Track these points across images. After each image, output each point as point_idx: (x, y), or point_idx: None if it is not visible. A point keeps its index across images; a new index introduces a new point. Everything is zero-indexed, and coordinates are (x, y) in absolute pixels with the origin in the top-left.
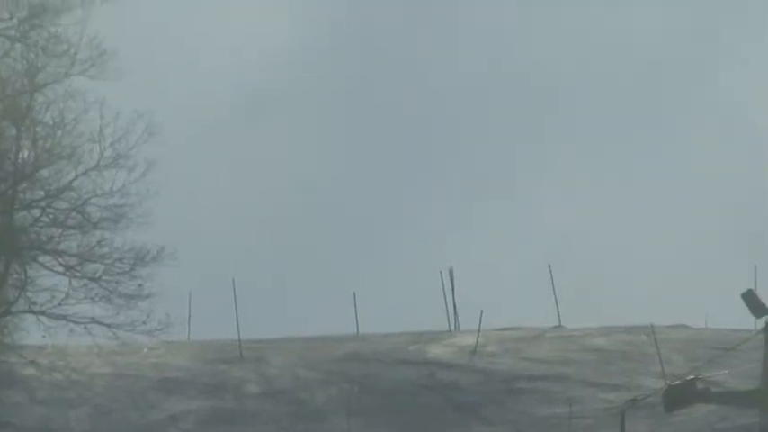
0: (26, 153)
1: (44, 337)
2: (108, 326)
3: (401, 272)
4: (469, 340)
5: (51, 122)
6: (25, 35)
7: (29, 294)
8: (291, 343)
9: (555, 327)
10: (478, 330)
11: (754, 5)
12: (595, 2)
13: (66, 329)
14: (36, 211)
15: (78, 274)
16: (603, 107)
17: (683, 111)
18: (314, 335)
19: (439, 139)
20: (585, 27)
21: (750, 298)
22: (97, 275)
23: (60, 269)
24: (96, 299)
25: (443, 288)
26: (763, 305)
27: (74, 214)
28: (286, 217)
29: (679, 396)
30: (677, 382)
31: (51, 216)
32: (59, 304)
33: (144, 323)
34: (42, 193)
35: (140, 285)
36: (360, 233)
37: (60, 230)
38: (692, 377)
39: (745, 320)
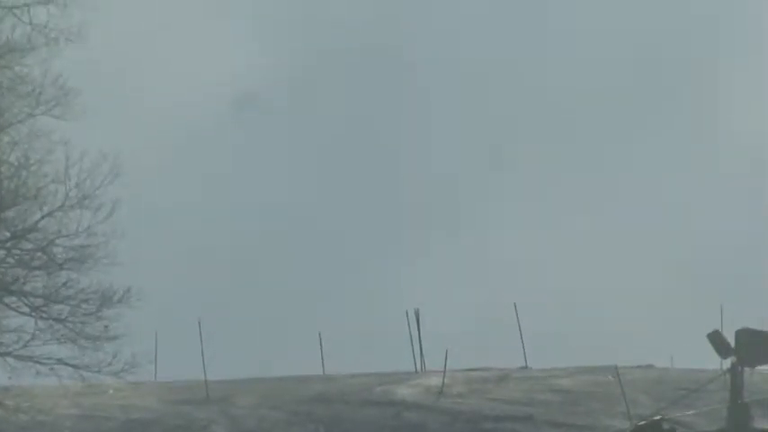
0: None
1: (10, 378)
2: (74, 367)
3: (367, 312)
4: (436, 381)
5: (16, 163)
6: None
7: None
8: (258, 384)
9: (521, 367)
10: (444, 371)
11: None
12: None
13: (32, 371)
14: (1, 252)
15: (44, 315)
16: (570, 142)
17: (647, 139)
18: (280, 375)
19: (405, 180)
20: (531, 45)
21: (716, 338)
22: (63, 316)
23: (26, 310)
24: (62, 340)
25: (409, 329)
26: (729, 345)
27: (39, 255)
28: (252, 257)
29: None
30: (643, 422)
31: (17, 257)
32: (25, 345)
33: (110, 364)
34: (8, 233)
35: (106, 327)
36: (326, 273)
37: (26, 271)
38: (658, 417)
39: (711, 360)
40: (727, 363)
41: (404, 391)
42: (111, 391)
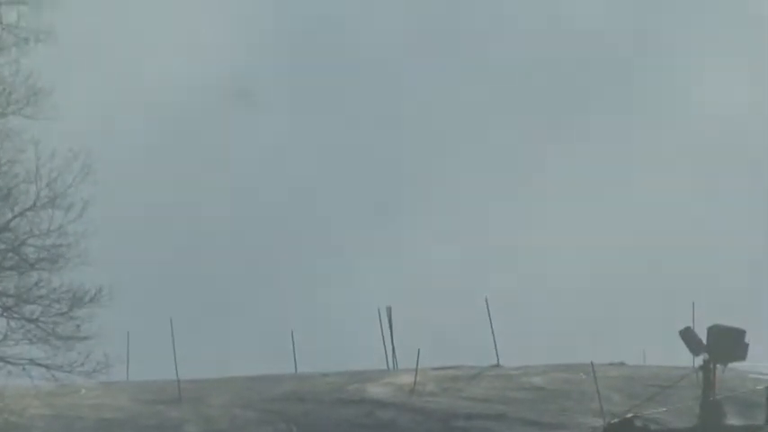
0: None
1: None
2: (46, 367)
3: (339, 311)
4: (408, 379)
5: None
6: None
7: None
8: (230, 383)
9: (493, 365)
10: (416, 369)
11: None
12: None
13: (3, 371)
14: None
15: (16, 315)
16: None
17: (623, 125)
18: (252, 374)
19: (376, 177)
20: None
21: (688, 336)
22: (35, 317)
23: None
24: (34, 340)
25: (381, 327)
26: (701, 342)
27: (10, 255)
28: (223, 256)
29: None
30: (616, 419)
31: None
32: None
33: (82, 364)
34: None
35: (78, 326)
36: (297, 272)
37: None
38: (630, 415)
39: (684, 358)
40: (700, 360)
41: (376, 390)
42: (83, 391)
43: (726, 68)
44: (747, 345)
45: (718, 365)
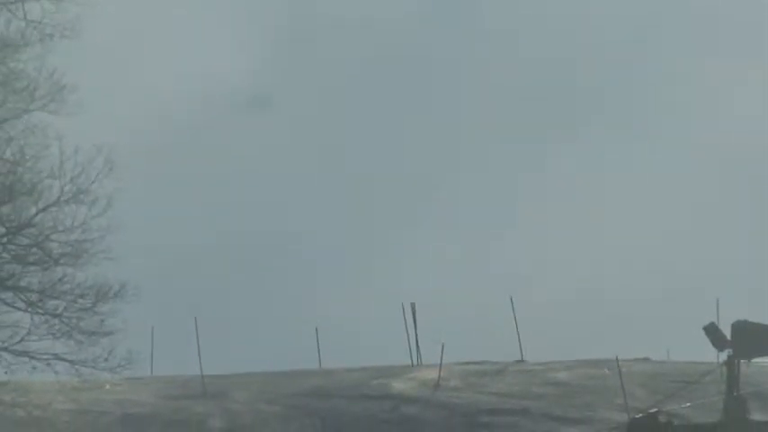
0: None
1: (6, 373)
2: (70, 362)
3: (364, 306)
4: (432, 374)
5: (12, 159)
6: None
7: None
8: (254, 378)
9: (517, 361)
10: (440, 364)
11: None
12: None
13: (28, 366)
14: None
15: (40, 310)
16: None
17: (642, 139)
18: (277, 370)
19: (400, 174)
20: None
21: (712, 331)
22: (59, 312)
23: (22, 305)
24: (58, 335)
25: (405, 322)
26: (725, 338)
27: (35, 250)
28: (248, 251)
29: (642, 429)
30: (640, 415)
31: (12, 252)
32: (21, 341)
33: (106, 359)
34: (3, 229)
35: (102, 321)
36: (322, 267)
37: (21, 267)
38: (654, 410)
39: (708, 353)
40: (724, 355)
41: (400, 385)
42: (107, 386)
43: (735, 71)
44: None
45: (742, 361)
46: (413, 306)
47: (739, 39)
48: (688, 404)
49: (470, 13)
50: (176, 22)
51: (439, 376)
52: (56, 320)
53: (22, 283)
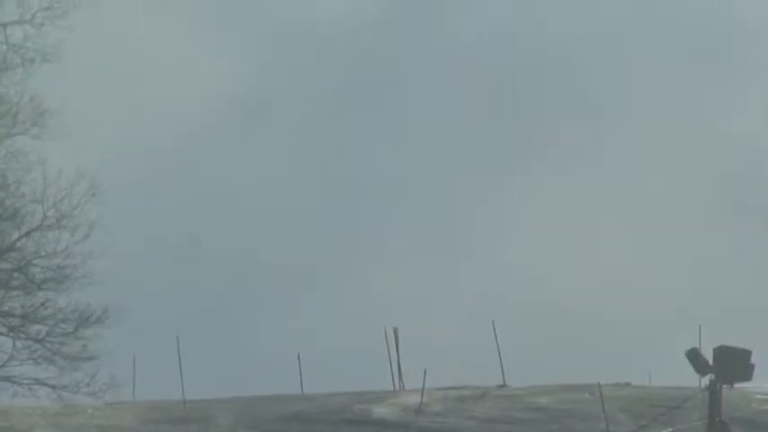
0: None
1: None
2: (52, 387)
3: (345, 331)
4: (414, 399)
5: None
6: None
7: None
8: (236, 403)
9: (499, 386)
10: (423, 389)
11: None
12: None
13: (9, 391)
14: None
15: (22, 335)
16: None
17: (632, 149)
18: (258, 394)
19: (381, 200)
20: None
21: (694, 356)
22: (41, 337)
23: (4, 330)
24: (40, 360)
25: (388, 347)
26: (707, 363)
27: (17, 275)
28: (229, 276)
29: None
30: None
31: None
32: (3, 366)
33: (88, 384)
34: None
35: (84, 346)
36: (303, 292)
37: (4, 291)
38: None
39: (690, 378)
40: (706, 380)
41: (382, 410)
42: (89, 411)
43: (730, 85)
44: (753, 365)
45: (724, 386)
46: (395, 331)
47: (738, 49)
48: (670, 429)
49: (471, 13)
50: (159, 46)
51: (421, 401)
52: (38, 345)
53: (5, 308)
